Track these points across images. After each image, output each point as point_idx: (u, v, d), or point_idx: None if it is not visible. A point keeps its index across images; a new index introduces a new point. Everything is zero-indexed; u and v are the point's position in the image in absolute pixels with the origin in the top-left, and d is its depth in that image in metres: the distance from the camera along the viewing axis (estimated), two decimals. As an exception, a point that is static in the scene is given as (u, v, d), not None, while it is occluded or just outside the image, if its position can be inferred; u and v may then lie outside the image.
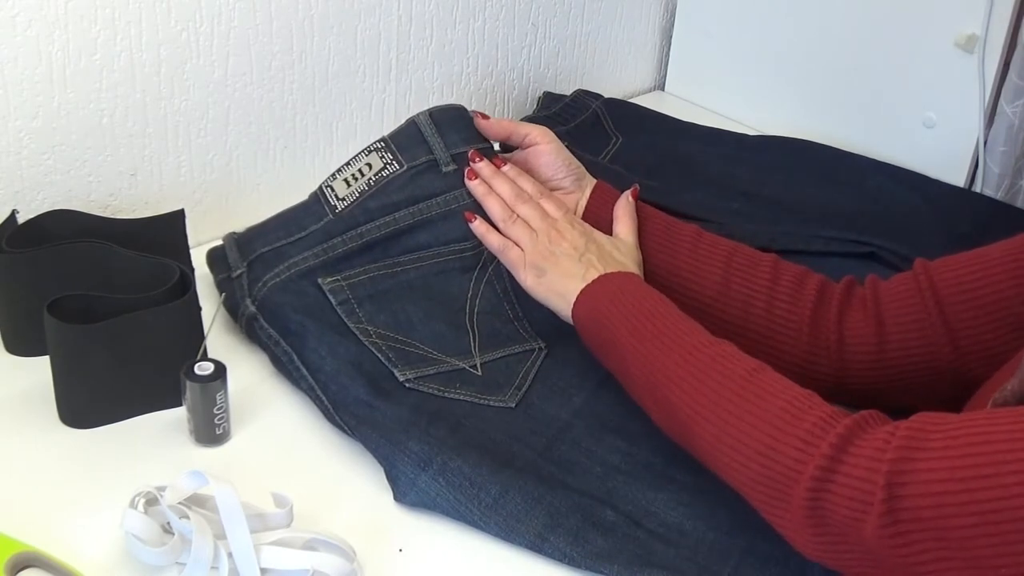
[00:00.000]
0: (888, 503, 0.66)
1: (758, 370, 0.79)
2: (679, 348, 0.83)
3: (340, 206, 1.01)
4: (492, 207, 1.01)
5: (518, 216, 1.00)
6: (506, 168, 1.03)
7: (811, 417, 0.73)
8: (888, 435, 0.69)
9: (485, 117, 1.06)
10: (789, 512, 0.72)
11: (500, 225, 1.00)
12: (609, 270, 0.93)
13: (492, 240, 1.00)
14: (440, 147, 1.03)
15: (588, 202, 1.04)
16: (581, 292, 0.91)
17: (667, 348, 0.84)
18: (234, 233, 1.05)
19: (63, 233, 0.94)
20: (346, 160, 1.05)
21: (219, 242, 1.06)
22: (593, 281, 0.92)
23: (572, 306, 0.92)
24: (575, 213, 1.04)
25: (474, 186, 1.02)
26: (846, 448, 0.70)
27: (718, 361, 0.81)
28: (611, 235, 1.01)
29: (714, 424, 0.78)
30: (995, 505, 0.63)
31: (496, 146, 1.09)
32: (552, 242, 0.96)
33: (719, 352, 0.82)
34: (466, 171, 1.02)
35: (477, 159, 1.03)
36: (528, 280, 0.96)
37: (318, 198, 1.03)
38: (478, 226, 1.01)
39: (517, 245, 0.99)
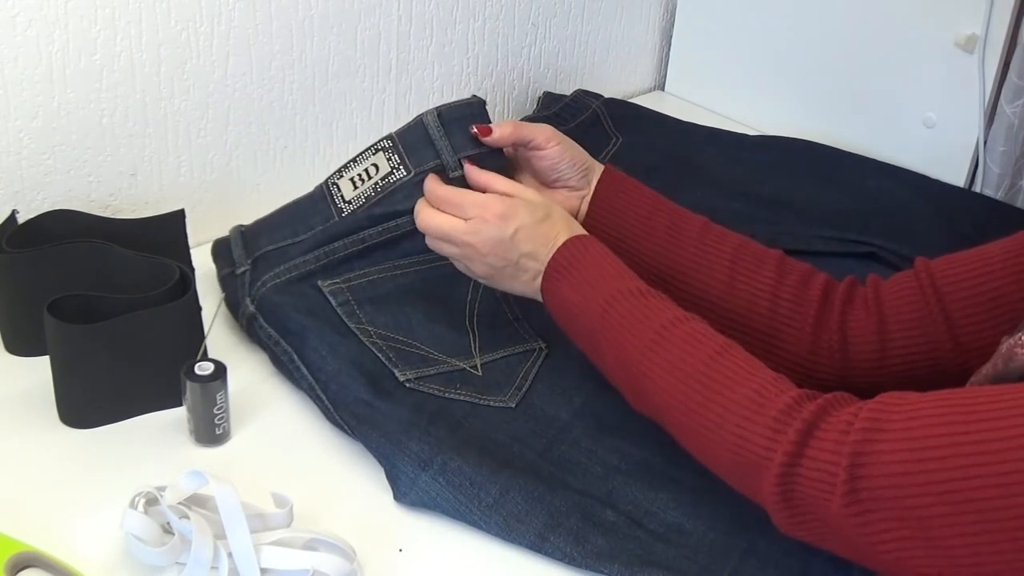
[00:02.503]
0: (850, 483, 0.68)
1: (725, 350, 0.80)
2: (646, 327, 0.83)
3: (347, 209, 1.01)
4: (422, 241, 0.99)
5: (426, 231, 0.97)
6: (467, 170, 1.00)
7: (778, 403, 0.74)
8: (851, 416, 0.71)
9: (487, 132, 1.01)
10: (762, 494, 0.74)
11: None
12: (549, 255, 0.91)
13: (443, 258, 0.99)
14: (448, 150, 1.01)
15: (595, 191, 1.02)
16: (543, 292, 0.91)
17: (635, 327, 0.84)
18: (240, 226, 1.05)
19: (63, 233, 0.94)
20: (353, 156, 1.04)
21: (225, 235, 1.06)
22: (544, 282, 0.91)
23: (542, 300, 0.92)
24: (581, 208, 1.03)
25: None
26: (812, 432, 0.72)
27: (687, 343, 0.81)
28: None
29: (685, 413, 0.79)
30: (951, 486, 0.65)
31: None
32: (475, 260, 0.93)
33: (687, 332, 0.82)
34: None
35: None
36: (488, 284, 0.97)
37: (324, 196, 1.03)
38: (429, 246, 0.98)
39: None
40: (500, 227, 0.92)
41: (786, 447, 0.72)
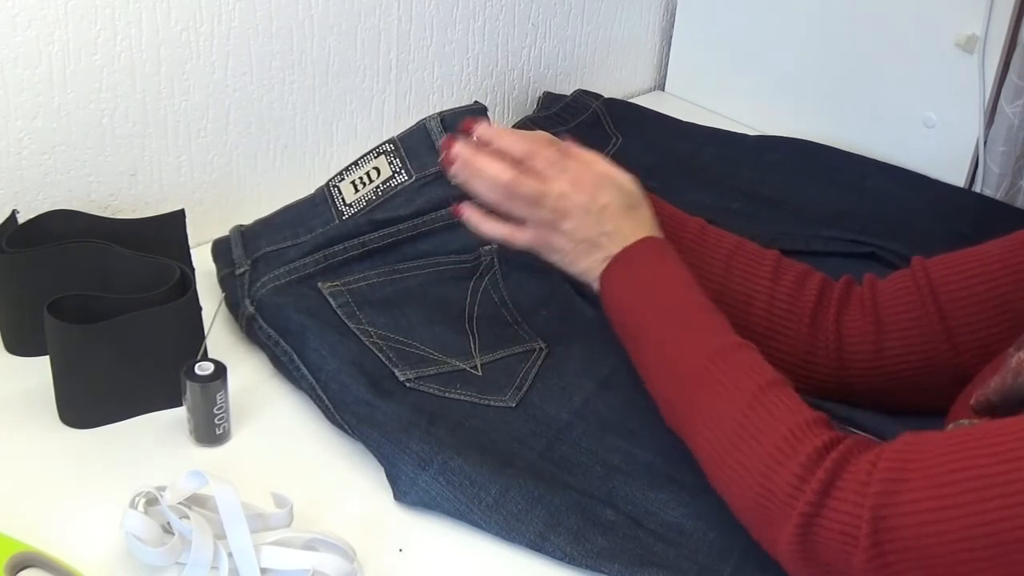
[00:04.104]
0: (874, 536, 0.67)
1: (770, 388, 0.78)
2: (698, 348, 0.81)
3: (347, 212, 1.01)
4: (481, 193, 0.91)
5: (511, 196, 0.90)
6: (482, 130, 0.92)
7: (806, 450, 0.72)
8: (870, 466, 0.69)
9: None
10: (779, 545, 0.73)
11: (499, 209, 0.91)
12: (625, 242, 0.88)
13: (491, 229, 0.92)
14: None
15: None
16: (603, 276, 0.88)
17: (684, 349, 0.82)
18: (240, 226, 1.05)
19: (63, 233, 0.94)
20: (355, 159, 1.04)
21: (225, 235, 1.06)
22: (611, 266, 0.88)
23: (598, 288, 0.90)
24: None
25: (455, 173, 0.91)
26: (832, 483, 0.70)
27: (735, 373, 0.79)
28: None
29: (715, 451, 0.77)
30: (975, 531, 0.64)
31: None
32: (558, 219, 0.89)
33: (737, 362, 0.80)
34: (440, 162, 0.93)
35: (449, 145, 0.92)
36: (551, 258, 0.92)
37: (326, 198, 1.03)
38: (469, 216, 0.92)
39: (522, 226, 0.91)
40: (592, 197, 0.88)
41: (808, 497, 0.70)
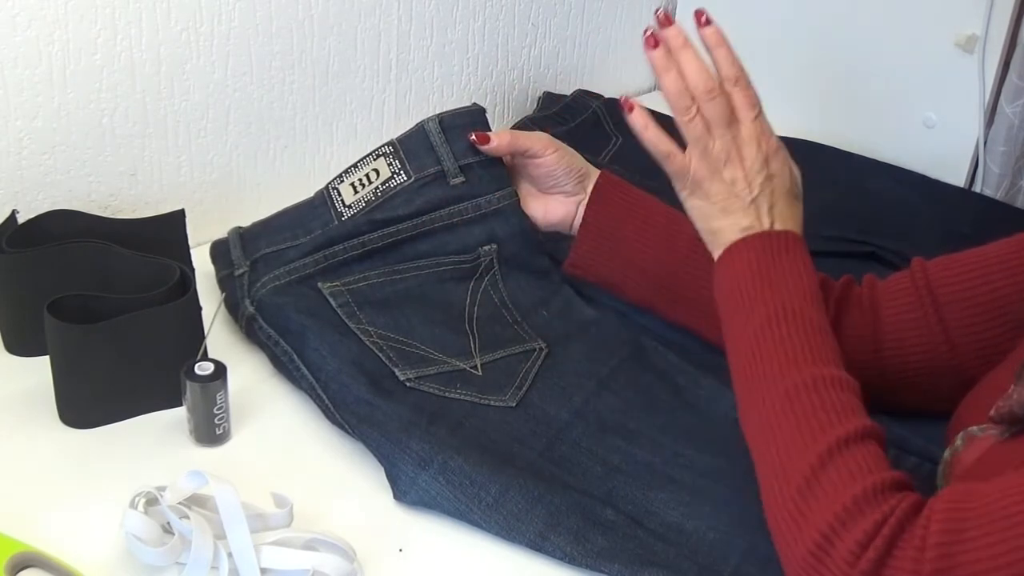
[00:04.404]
0: None
1: (855, 440, 0.72)
2: (797, 371, 0.75)
3: (347, 213, 1.01)
4: (669, 90, 0.84)
5: (699, 111, 0.83)
6: (707, 31, 0.86)
7: (873, 517, 0.68)
8: (923, 530, 0.66)
9: (485, 140, 1.01)
10: None
11: (675, 116, 0.84)
12: (775, 226, 0.82)
13: (650, 137, 0.85)
14: (448, 157, 1.02)
15: (590, 196, 1.02)
16: (731, 247, 0.83)
17: (787, 363, 0.76)
18: (239, 228, 1.05)
19: (63, 233, 0.94)
20: (354, 162, 1.04)
21: (223, 236, 1.06)
22: (745, 241, 0.82)
23: (718, 252, 0.84)
24: (577, 214, 1.03)
25: (654, 56, 0.84)
26: (890, 552, 0.67)
27: (823, 410, 0.73)
28: None
29: (782, 479, 0.72)
30: None
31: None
32: (727, 162, 0.83)
33: (830, 402, 0.74)
34: (646, 35, 0.85)
35: (668, 22, 0.86)
36: (683, 196, 0.86)
37: (325, 200, 1.03)
38: (636, 117, 0.85)
39: (684, 150, 0.85)
40: (769, 158, 0.83)
41: (864, 567, 0.67)
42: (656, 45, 0.84)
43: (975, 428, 0.78)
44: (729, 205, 0.83)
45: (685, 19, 1.53)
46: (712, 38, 0.85)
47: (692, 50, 0.85)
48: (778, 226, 0.83)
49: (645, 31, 0.84)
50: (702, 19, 0.86)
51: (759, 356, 0.77)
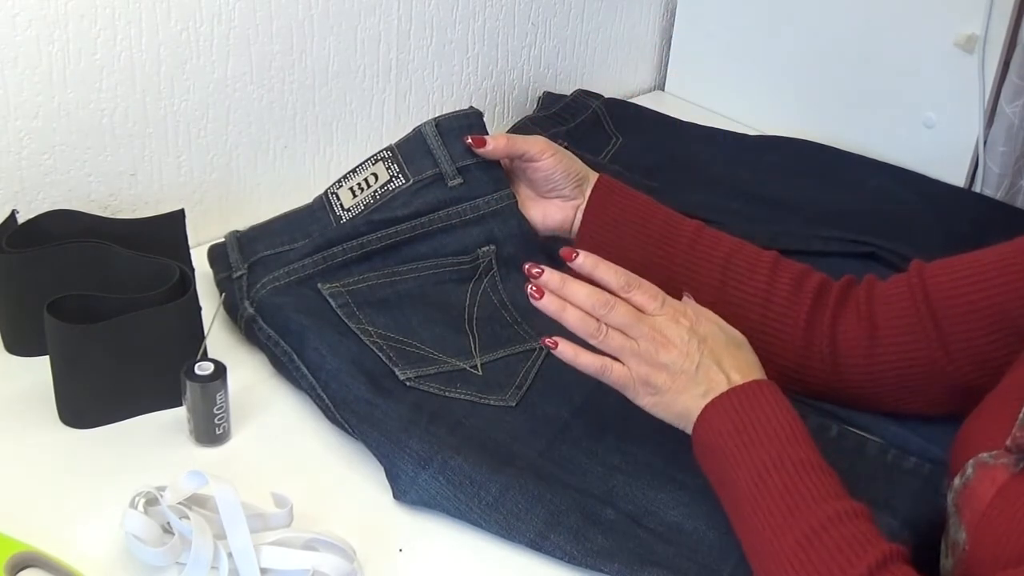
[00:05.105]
0: None
1: (880, 567, 0.70)
2: (805, 516, 0.74)
3: (345, 217, 1.02)
4: (573, 323, 0.85)
5: (607, 326, 0.85)
6: (579, 261, 0.87)
7: None
8: None
9: (481, 144, 1.01)
10: None
11: (591, 341, 0.85)
12: (733, 378, 0.82)
13: (585, 362, 0.85)
14: (446, 159, 1.02)
15: (588, 200, 1.02)
16: (700, 418, 0.82)
17: (794, 510, 0.74)
18: (236, 231, 1.05)
19: (63, 233, 0.94)
20: (352, 167, 1.04)
21: (220, 240, 1.06)
22: (711, 405, 0.81)
23: (692, 429, 0.83)
24: (576, 218, 1.03)
25: (544, 304, 0.86)
26: None
27: (842, 548, 0.72)
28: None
29: None
30: None
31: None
32: (658, 351, 0.83)
33: (846, 537, 0.72)
34: (529, 289, 0.87)
35: (536, 272, 0.86)
36: (643, 400, 0.85)
37: (324, 205, 1.03)
38: (564, 351, 0.86)
39: (617, 359, 0.85)
40: (693, 326, 0.84)
41: None
42: (542, 294, 0.86)
43: (986, 455, 0.77)
44: (679, 384, 0.83)
45: (685, 18, 1.53)
46: (586, 265, 0.87)
47: (571, 281, 0.86)
48: (736, 378, 0.82)
49: (529, 286, 0.87)
50: (571, 256, 0.87)
51: (762, 510, 0.76)
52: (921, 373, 0.90)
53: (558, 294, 0.86)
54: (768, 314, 0.94)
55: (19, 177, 1.00)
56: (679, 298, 0.95)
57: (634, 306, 0.85)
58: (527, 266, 0.87)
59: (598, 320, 0.85)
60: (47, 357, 0.88)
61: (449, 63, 1.31)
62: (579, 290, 0.85)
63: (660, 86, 1.61)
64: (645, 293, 0.86)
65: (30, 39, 0.96)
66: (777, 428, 0.79)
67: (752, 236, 1.02)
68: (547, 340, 0.87)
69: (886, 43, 1.32)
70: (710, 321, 0.86)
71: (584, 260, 0.87)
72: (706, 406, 0.81)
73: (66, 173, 1.03)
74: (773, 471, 0.76)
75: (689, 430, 0.83)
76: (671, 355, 0.83)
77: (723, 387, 0.82)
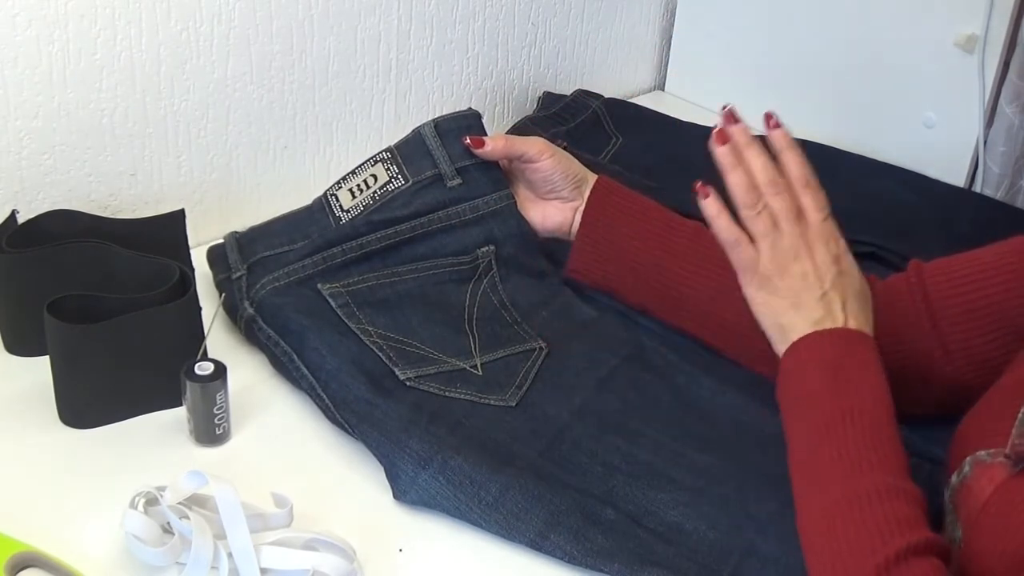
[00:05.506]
0: None
1: (915, 553, 0.69)
2: (861, 478, 0.73)
3: (345, 218, 1.02)
4: (736, 186, 0.83)
5: (765, 206, 0.82)
6: (776, 133, 0.85)
7: None
8: None
9: (480, 144, 1.02)
10: None
11: (741, 211, 0.83)
12: (849, 323, 0.80)
13: (722, 225, 0.83)
14: (445, 160, 1.02)
15: (587, 202, 1.03)
16: (802, 340, 0.79)
17: (852, 468, 0.73)
18: (235, 233, 1.05)
19: (63, 233, 0.94)
20: (352, 168, 1.05)
21: (220, 241, 1.06)
22: (819, 334, 0.79)
23: (784, 348, 0.81)
24: (575, 219, 1.03)
25: (721, 153, 0.84)
26: None
27: (886, 521, 0.70)
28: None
29: None
30: None
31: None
32: (796, 256, 0.81)
33: (893, 513, 0.71)
34: (714, 132, 0.85)
35: (733, 119, 0.85)
36: (751, 290, 0.83)
37: (323, 206, 1.03)
38: (710, 204, 0.83)
39: (753, 243, 0.83)
40: (839, 255, 0.82)
41: None
42: (724, 141, 0.84)
43: (983, 453, 0.77)
44: (800, 299, 0.80)
45: (685, 18, 1.53)
46: (781, 140, 0.85)
47: (758, 146, 0.84)
48: (852, 324, 0.80)
49: (713, 128, 0.85)
50: (771, 121, 0.86)
51: (823, 454, 0.75)
52: (920, 372, 0.90)
53: (738, 150, 0.83)
54: None
55: (19, 177, 1.00)
56: (676, 301, 0.95)
57: (800, 204, 0.83)
58: (727, 110, 0.84)
59: (759, 195, 0.82)
60: (47, 357, 0.88)
61: (449, 63, 1.31)
62: (758, 158, 0.83)
63: (660, 86, 1.61)
64: (815, 200, 0.83)
65: (30, 39, 0.96)
66: (870, 387, 0.77)
67: (752, 236, 1.01)
68: (700, 187, 0.84)
69: (886, 43, 1.32)
70: (853, 265, 0.83)
71: (780, 131, 0.85)
72: (813, 332, 0.79)
73: (66, 173, 1.03)
74: (848, 423, 0.74)
75: (778, 345, 0.81)
76: (805, 267, 0.81)
77: (837, 324, 0.79)
